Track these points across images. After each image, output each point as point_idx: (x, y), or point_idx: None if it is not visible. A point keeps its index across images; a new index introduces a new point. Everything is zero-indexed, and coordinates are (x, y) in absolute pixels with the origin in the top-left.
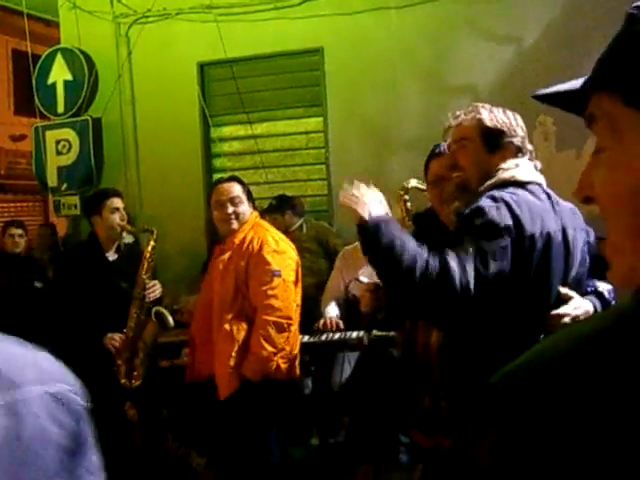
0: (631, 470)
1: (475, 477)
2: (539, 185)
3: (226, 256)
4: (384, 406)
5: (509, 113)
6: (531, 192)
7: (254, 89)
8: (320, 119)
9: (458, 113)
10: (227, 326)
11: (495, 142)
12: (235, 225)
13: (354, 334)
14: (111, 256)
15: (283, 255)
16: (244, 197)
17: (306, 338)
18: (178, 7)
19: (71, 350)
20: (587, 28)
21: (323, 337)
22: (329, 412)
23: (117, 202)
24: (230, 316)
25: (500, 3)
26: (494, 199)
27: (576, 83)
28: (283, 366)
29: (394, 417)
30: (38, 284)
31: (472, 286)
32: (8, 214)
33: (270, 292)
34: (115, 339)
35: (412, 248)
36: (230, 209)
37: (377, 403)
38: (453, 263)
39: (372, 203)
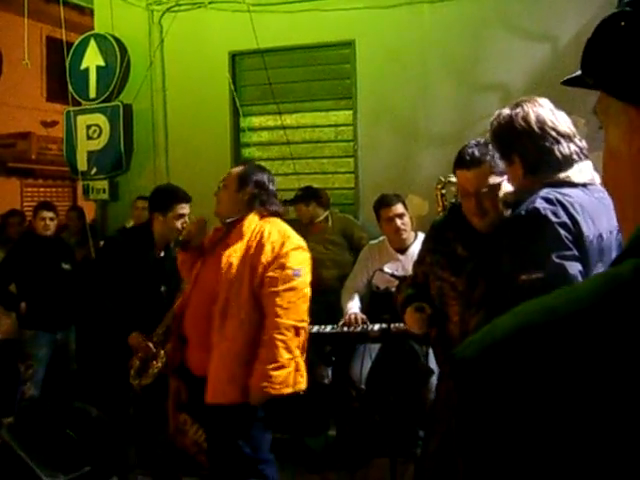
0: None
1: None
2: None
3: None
4: (403, 399)
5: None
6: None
7: (285, 80)
8: (350, 112)
9: None
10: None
11: None
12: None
13: (376, 326)
14: (158, 254)
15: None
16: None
17: (328, 329)
18: None
19: (95, 336)
20: None
21: (345, 328)
22: (347, 403)
23: (185, 208)
24: (244, 316)
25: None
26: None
27: None
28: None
29: (412, 411)
30: (66, 266)
31: None
32: (37, 199)
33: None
34: (140, 342)
35: None
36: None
37: (396, 396)
38: None
39: None
